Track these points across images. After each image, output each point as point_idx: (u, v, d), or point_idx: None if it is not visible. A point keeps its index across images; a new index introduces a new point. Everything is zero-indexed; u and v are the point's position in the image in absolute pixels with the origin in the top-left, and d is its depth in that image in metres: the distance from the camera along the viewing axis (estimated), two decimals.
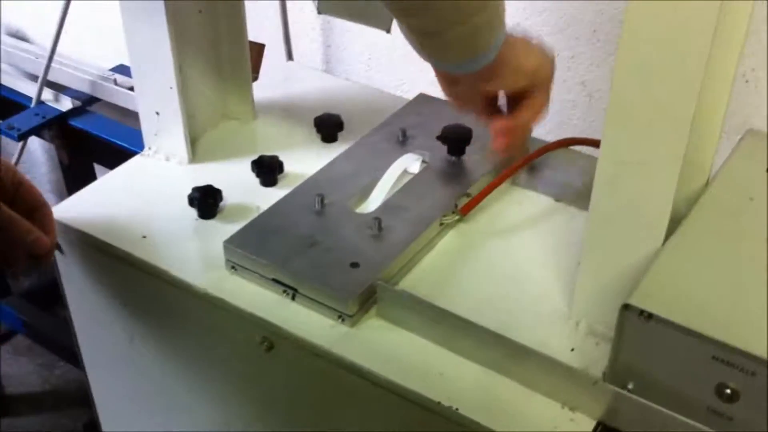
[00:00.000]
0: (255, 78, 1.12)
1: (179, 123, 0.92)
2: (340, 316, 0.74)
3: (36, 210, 0.76)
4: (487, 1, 0.69)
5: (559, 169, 0.90)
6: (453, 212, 0.84)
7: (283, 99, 1.07)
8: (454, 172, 0.89)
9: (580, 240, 0.70)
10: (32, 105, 1.45)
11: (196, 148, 0.97)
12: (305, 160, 0.93)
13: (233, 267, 0.79)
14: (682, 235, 0.65)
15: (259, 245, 0.78)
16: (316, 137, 0.98)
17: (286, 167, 0.92)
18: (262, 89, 1.06)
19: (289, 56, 1.30)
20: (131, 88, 1.37)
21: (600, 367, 0.66)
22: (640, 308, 0.59)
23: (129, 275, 0.84)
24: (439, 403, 0.67)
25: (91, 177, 1.54)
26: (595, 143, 0.84)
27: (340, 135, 0.98)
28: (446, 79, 0.79)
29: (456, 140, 0.90)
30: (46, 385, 1.81)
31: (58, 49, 1.39)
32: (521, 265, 0.80)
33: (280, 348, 0.75)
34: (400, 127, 0.94)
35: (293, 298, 0.76)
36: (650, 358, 0.61)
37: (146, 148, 0.97)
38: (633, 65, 0.60)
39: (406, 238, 0.79)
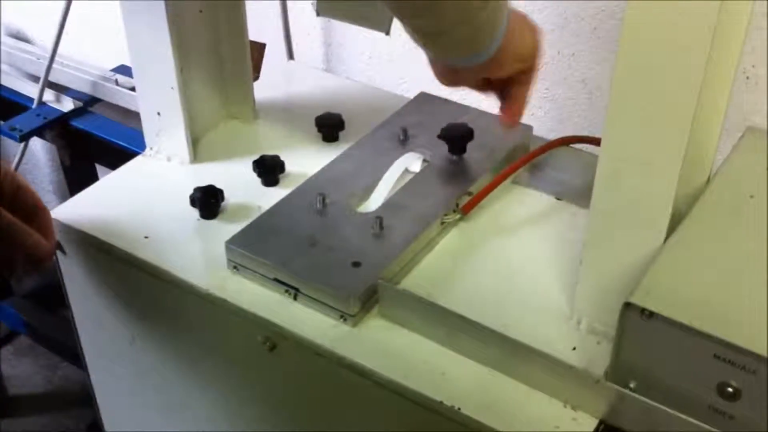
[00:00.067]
0: (256, 77, 1.12)
1: (180, 123, 0.93)
2: (342, 316, 0.74)
3: (35, 214, 0.75)
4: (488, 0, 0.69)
5: (560, 167, 0.90)
6: (454, 211, 0.84)
7: (284, 98, 1.07)
8: (455, 171, 0.89)
9: (582, 238, 0.70)
10: (34, 106, 1.45)
11: (197, 148, 0.97)
12: (306, 160, 0.93)
13: (235, 267, 0.79)
14: (683, 233, 0.65)
15: (260, 245, 0.78)
16: (317, 137, 0.98)
17: (288, 167, 0.92)
18: (263, 89, 1.06)
19: (290, 56, 1.30)
20: (132, 89, 1.36)
21: (602, 365, 0.66)
22: (641, 307, 0.59)
23: (131, 276, 0.84)
24: (441, 402, 0.67)
25: (93, 178, 1.54)
26: (596, 141, 0.84)
27: (341, 134, 0.98)
28: (444, 69, 0.80)
29: (457, 139, 0.90)
30: (48, 386, 1.81)
31: (59, 49, 1.39)
32: (523, 264, 0.80)
33: (283, 348, 0.75)
34: (401, 126, 0.94)
35: (295, 298, 0.76)
36: (652, 357, 0.61)
37: (148, 149, 0.97)
38: (634, 63, 0.59)
39: (408, 237, 0.79)
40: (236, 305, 0.77)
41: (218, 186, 0.87)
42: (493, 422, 0.65)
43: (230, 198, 0.88)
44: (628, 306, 0.60)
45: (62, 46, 1.38)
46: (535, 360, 0.67)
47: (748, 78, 0.98)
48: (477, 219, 0.85)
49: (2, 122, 1.43)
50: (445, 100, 0.99)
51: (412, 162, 0.89)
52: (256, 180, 0.91)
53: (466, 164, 0.90)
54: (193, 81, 0.95)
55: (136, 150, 1.01)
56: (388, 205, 0.84)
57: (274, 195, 0.87)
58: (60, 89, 1.48)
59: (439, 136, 0.91)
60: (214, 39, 0.96)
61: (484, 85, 0.83)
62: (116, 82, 1.44)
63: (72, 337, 0.98)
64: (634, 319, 0.59)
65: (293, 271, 0.76)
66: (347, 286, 0.74)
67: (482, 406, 0.67)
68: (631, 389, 0.62)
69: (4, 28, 1.75)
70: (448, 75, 0.80)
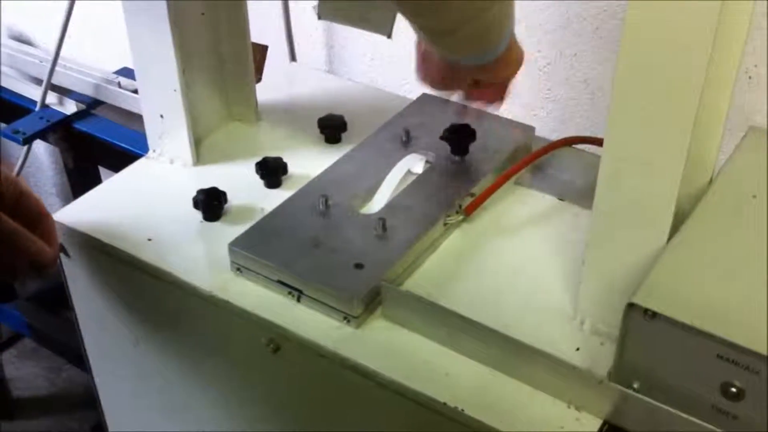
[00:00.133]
0: (259, 79, 1.12)
1: (183, 125, 0.93)
2: (345, 317, 0.74)
3: (38, 220, 0.75)
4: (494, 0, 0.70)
5: (563, 168, 0.90)
6: (457, 212, 0.84)
7: (287, 100, 1.07)
8: (457, 172, 0.89)
9: (584, 239, 0.70)
10: (36, 109, 1.45)
11: (200, 150, 0.97)
12: (309, 161, 0.93)
13: (238, 269, 0.79)
14: (685, 233, 0.65)
15: (264, 247, 0.79)
16: (319, 138, 0.98)
17: (290, 168, 0.92)
18: (266, 90, 1.06)
19: (292, 57, 1.30)
20: (135, 91, 1.36)
21: (605, 366, 0.66)
22: (644, 307, 0.59)
23: (134, 278, 0.84)
24: (444, 403, 0.67)
25: (96, 180, 1.54)
26: (598, 141, 0.84)
27: (343, 136, 0.98)
28: (441, 70, 0.80)
29: (459, 140, 0.90)
30: (52, 388, 1.81)
31: (62, 52, 1.39)
32: (526, 265, 0.80)
33: (286, 349, 0.75)
34: (403, 127, 0.94)
35: (299, 300, 0.76)
36: (655, 357, 0.61)
37: (150, 151, 0.97)
38: (635, 63, 0.59)
39: (411, 238, 0.79)
40: (239, 307, 0.77)
41: (221, 188, 0.87)
42: (497, 423, 0.65)
43: (233, 200, 0.88)
44: (631, 306, 0.60)
45: (65, 48, 1.38)
46: (538, 361, 0.67)
47: (750, 78, 0.98)
48: (480, 220, 0.86)
49: (5, 125, 1.44)
50: (448, 101, 0.99)
51: (414, 163, 0.89)
52: (258, 182, 0.91)
53: (469, 165, 0.90)
54: (196, 83, 0.95)
55: (139, 152, 1.01)
56: (391, 206, 0.84)
57: (277, 197, 0.87)
58: (63, 92, 1.48)
59: (441, 138, 0.91)
60: (216, 41, 0.96)
61: (473, 88, 0.84)
62: (119, 85, 1.44)
63: (75, 339, 0.98)
64: (638, 320, 0.59)
65: (296, 273, 0.76)
66: (350, 287, 0.74)
67: (485, 407, 0.67)
68: (634, 389, 0.62)
69: (7, 31, 1.75)
70: (445, 76, 0.80)
